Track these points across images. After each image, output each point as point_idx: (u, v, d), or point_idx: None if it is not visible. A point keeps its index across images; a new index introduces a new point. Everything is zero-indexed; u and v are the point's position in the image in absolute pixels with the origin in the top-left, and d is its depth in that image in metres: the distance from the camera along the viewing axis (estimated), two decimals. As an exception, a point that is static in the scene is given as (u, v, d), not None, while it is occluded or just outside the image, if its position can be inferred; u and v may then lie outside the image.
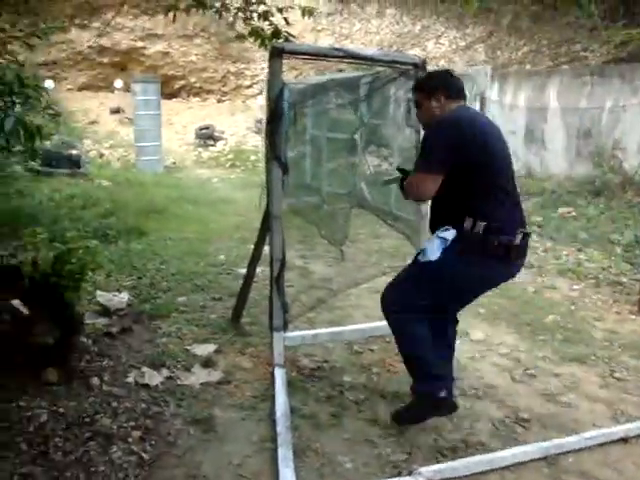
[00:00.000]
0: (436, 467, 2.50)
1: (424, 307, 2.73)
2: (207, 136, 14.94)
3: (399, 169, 2.94)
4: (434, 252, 2.68)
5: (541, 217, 7.75)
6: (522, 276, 5.39)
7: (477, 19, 14.81)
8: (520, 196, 2.75)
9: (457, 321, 3.04)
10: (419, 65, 3.52)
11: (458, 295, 2.80)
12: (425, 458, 2.62)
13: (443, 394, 2.74)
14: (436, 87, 2.74)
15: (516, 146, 9.92)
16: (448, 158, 2.54)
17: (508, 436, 2.83)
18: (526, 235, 2.63)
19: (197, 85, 18.12)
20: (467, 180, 2.57)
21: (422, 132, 3.49)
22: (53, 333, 2.99)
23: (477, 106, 6.54)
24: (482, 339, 4.00)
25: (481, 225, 2.55)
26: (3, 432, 2.55)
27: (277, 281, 3.20)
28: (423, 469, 2.47)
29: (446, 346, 2.94)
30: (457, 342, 3.07)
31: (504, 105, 10.32)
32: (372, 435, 2.78)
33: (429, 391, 2.74)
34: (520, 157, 9.82)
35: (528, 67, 13.60)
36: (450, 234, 2.65)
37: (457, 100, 2.73)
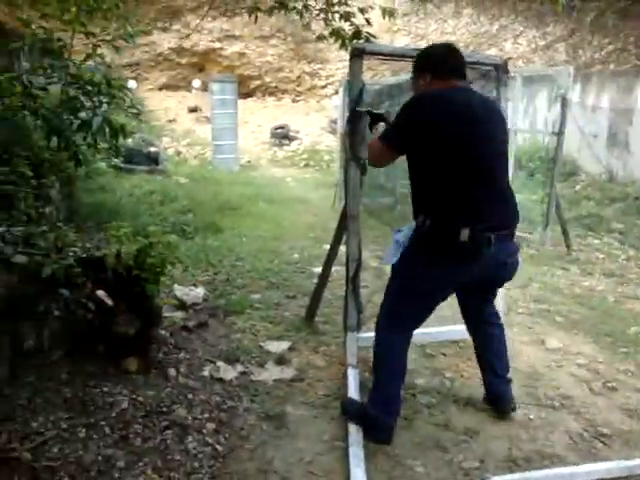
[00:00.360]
0: (509, 477, 2.45)
1: (401, 316, 2.71)
2: (282, 135, 15.12)
3: (368, 112, 2.92)
4: (390, 256, 2.65)
5: (623, 224, 7.44)
6: (602, 285, 5.24)
7: (558, 17, 14.35)
8: (507, 190, 2.61)
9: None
10: (500, 66, 3.44)
11: (423, 298, 2.67)
12: (498, 467, 2.56)
13: (389, 421, 2.69)
14: (424, 65, 2.63)
15: (598, 149, 9.56)
16: (406, 135, 2.49)
17: (587, 451, 2.71)
18: (482, 231, 2.41)
19: (272, 85, 18.37)
20: (426, 170, 2.51)
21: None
22: (134, 324, 3.09)
23: (558, 108, 6.32)
24: (558, 348, 3.87)
25: (428, 221, 2.48)
26: (90, 415, 2.67)
27: (353, 281, 3.21)
28: (496, 478, 2.42)
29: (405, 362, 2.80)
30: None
31: (586, 107, 9.96)
32: (443, 440, 2.75)
33: (376, 417, 2.69)
34: (602, 161, 9.46)
35: (612, 67, 13.06)
36: (401, 235, 2.60)
37: (447, 80, 2.55)
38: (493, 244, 2.44)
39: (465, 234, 2.40)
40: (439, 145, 2.43)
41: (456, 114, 2.44)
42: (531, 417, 2.97)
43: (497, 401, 2.96)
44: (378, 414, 2.67)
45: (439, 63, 2.60)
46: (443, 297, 2.71)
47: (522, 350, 3.78)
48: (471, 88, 2.66)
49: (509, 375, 2.98)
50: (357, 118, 3.08)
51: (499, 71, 3.41)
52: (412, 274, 2.62)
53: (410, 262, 2.61)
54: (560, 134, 6.13)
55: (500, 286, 2.91)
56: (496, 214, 2.51)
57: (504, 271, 2.70)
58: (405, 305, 2.71)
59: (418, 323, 2.78)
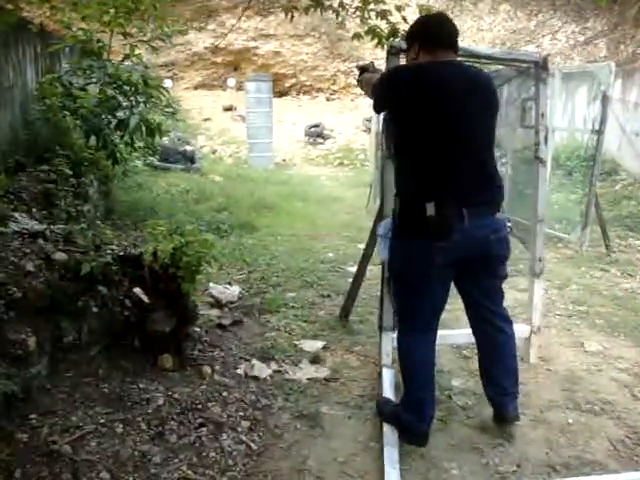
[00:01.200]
0: (548, 482, 2.41)
1: (409, 313, 2.68)
2: (316, 134, 15.13)
3: (357, 65, 3.05)
4: (382, 251, 2.63)
5: (666, 223, 7.24)
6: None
7: (598, 11, 14.04)
8: (487, 166, 2.54)
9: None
10: (540, 63, 3.38)
11: (416, 285, 2.57)
12: (535, 472, 2.52)
13: (423, 428, 2.62)
14: (413, 35, 2.59)
15: (639, 147, 9.32)
16: (380, 103, 2.57)
17: (628, 457, 2.64)
18: (449, 205, 2.35)
19: (307, 83, 18.39)
20: (398, 148, 2.52)
21: (540, 132, 3.39)
22: (170, 322, 3.12)
23: (598, 105, 6.18)
24: (598, 351, 3.78)
25: (398, 201, 2.45)
26: (127, 410, 2.71)
27: (388, 281, 3.18)
28: (534, 484, 2.38)
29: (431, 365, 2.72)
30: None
31: (627, 104, 9.72)
32: (480, 443, 2.71)
33: (409, 423, 2.63)
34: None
35: (656, 63, 12.73)
36: (382, 228, 2.57)
37: (434, 51, 2.48)
38: (466, 219, 2.38)
39: (431, 208, 2.34)
40: (407, 120, 2.43)
41: (429, 88, 2.39)
42: (570, 422, 2.91)
43: (497, 411, 2.82)
44: (411, 420, 2.63)
45: (427, 33, 2.55)
46: (440, 284, 2.59)
47: (560, 353, 3.70)
48: (459, 62, 2.59)
49: (515, 391, 2.82)
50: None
51: (539, 68, 3.35)
52: (397, 261, 2.60)
53: (393, 250, 2.60)
54: (600, 132, 5.99)
55: (490, 267, 2.67)
56: (468, 189, 2.43)
57: (488, 249, 2.55)
58: (407, 298, 2.66)
59: (430, 318, 2.68)
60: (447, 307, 4.41)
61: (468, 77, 2.51)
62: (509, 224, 2.73)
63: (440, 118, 2.39)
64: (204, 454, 2.51)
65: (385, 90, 2.53)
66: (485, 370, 2.86)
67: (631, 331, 4.10)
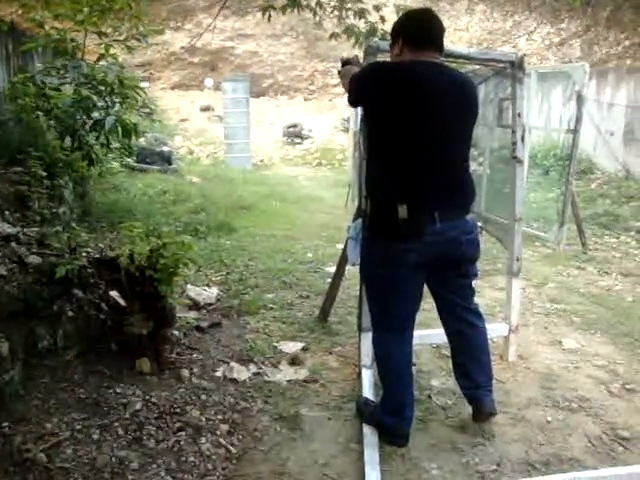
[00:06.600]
0: (528, 481, 2.41)
1: (384, 314, 2.65)
2: (294, 134, 15.11)
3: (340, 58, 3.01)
4: (352, 254, 2.64)
5: (640, 222, 7.35)
6: (619, 284, 5.17)
7: (573, 13, 14.22)
8: (460, 170, 2.54)
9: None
10: (516, 63, 3.39)
11: (389, 286, 2.56)
12: (515, 470, 2.53)
13: (403, 428, 2.63)
14: (398, 31, 2.54)
15: (614, 146, 9.45)
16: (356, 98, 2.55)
17: (606, 454, 2.66)
18: (421, 208, 2.35)
19: (285, 83, 18.35)
20: (370, 147, 2.51)
21: (517, 132, 3.41)
22: (147, 324, 3.08)
23: (573, 105, 6.24)
24: (576, 349, 3.81)
25: (369, 202, 2.44)
26: (103, 415, 2.67)
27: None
28: (513, 482, 2.39)
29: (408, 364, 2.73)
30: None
31: (602, 104, 9.85)
32: (459, 442, 2.71)
33: (389, 424, 2.65)
34: (618, 158, 9.35)
35: (629, 62, 12.91)
36: (352, 231, 2.57)
37: (418, 49, 2.45)
38: (438, 221, 2.38)
39: (403, 211, 2.34)
40: (382, 118, 2.41)
41: (407, 88, 2.36)
42: (549, 419, 2.92)
43: (474, 406, 2.79)
44: (391, 421, 2.63)
45: (413, 30, 2.51)
46: (413, 285, 2.59)
47: (539, 351, 3.73)
48: (441, 63, 2.55)
49: (489, 385, 2.80)
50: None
51: (515, 68, 3.36)
52: (370, 263, 2.59)
53: (364, 251, 2.59)
54: (576, 131, 6.05)
55: (461, 268, 2.67)
56: (441, 192, 2.42)
57: (459, 250, 2.54)
58: (380, 300, 2.65)
59: (405, 319, 2.68)
60: (426, 307, 4.44)
61: (451, 81, 2.47)
62: (479, 224, 2.74)
63: (417, 120, 2.37)
64: (183, 459, 2.47)
65: (361, 84, 2.49)
66: (458, 365, 2.85)
67: (607, 328, 4.14)
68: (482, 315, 2.86)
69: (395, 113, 2.37)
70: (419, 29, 2.49)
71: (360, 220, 2.61)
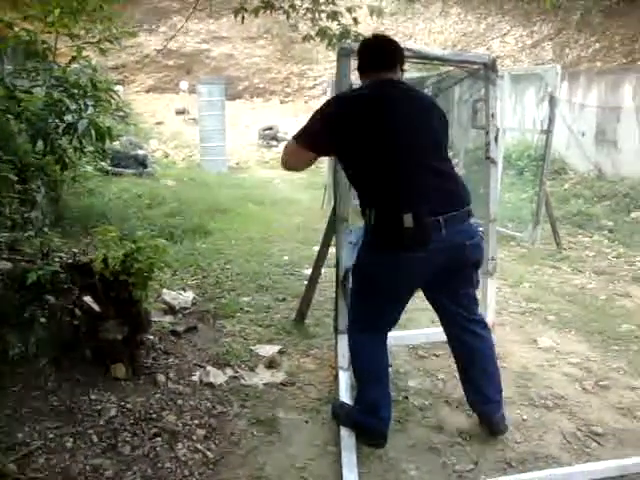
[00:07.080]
0: (504, 479, 2.42)
1: (368, 316, 2.66)
2: (270, 137, 15.08)
3: None
4: (349, 261, 2.61)
5: (612, 221, 7.44)
6: (593, 283, 5.24)
7: (545, 16, 14.41)
8: (448, 173, 2.58)
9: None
10: (489, 65, 3.42)
11: (385, 295, 2.59)
12: (492, 469, 2.54)
13: (380, 428, 2.65)
14: (358, 59, 2.66)
15: (586, 147, 9.59)
16: (322, 136, 2.48)
17: (580, 450, 2.69)
18: (426, 215, 2.35)
19: (260, 86, 18.33)
20: (356, 165, 2.51)
21: (491, 133, 3.44)
22: (122, 330, 3.05)
23: (546, 106, 6.31)
24: (550, 347, 3.85)
25: (372, 214, 2.45)
26: (77, 423, 2.63)
27: (343, 283, 3.17)
28: (490, 481, 2.40)
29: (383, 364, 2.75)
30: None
31: (573, 105, 9.98)
32: (437, 442, 2.72)
33: (366, 424, 2.66)
34: (590, 158, 9.48)
35: (599, 65, 13.12)
36: (352, 236, 2.58)
37: (371, 74, 2.57)
38: (443, 227, 2.40)
39: (409, 220, 2.33)
40: (358, 142, 2.43)
41: (369, 110, 2.42)
42: (524, 418, 2.95)
43: (485, 422, 2.79)
44: (367, 421, 2.64)
45: (362, 59, 2.64)
46: (409, 293, 2.62)
47: (514, 350, 3.76)
48: (398, 80, 2.59)
49: (499, 399, 2.79)
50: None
51: (488, 70, 3.39)
52: (369, 272, 2.58)
53: (364, 260, 2.58)
54: (548, 132, 6.12)
55: (465, 273, 2.66)
56: (438, 197, 2.44)
57: (465, 255, 2.54)
58: (369, 305, 2.66)
59: (390, 322, 2.71)
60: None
61: (410, 96, 2.57)
62: (481, 229, 2.75)
63: (388, 135, 2.41)
64: (159, 465, 2.45)
65: (325, 120, 2.49)
66: (466, 378, 2.83)
67: (581, 326, 4.19)
68: (487, 325, 2.86)
69: (364, 133, 2.41)
70: (366, 56, 2.62)
71: (361, 225, 2.58)
